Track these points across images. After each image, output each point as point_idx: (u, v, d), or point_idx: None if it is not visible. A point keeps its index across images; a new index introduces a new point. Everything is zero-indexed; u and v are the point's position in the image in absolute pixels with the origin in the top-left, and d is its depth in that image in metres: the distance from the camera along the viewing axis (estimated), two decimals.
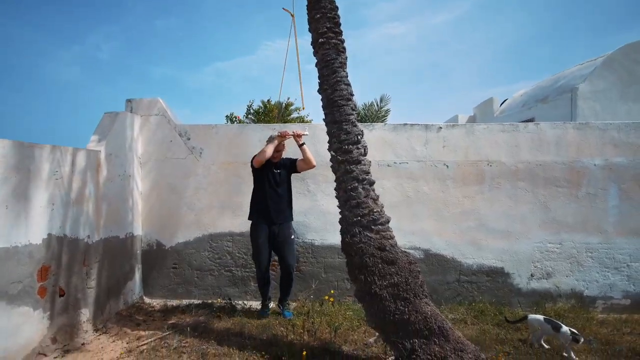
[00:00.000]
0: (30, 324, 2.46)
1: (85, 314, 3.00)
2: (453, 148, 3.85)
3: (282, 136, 3.24)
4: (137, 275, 3.85)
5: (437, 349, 2.23)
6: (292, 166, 3.38)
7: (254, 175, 3.36)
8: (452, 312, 3.57)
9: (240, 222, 3.81)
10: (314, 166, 3.33)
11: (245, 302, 3.77)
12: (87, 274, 3.04)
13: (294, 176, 3.49)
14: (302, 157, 3.30)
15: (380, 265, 2.39)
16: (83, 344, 2.84)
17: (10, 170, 2.34)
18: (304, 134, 3.32)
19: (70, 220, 2.86)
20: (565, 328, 2.67)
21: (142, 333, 3.05)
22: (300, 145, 3.27)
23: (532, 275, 3.78)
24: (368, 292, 2.40)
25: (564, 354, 2.66)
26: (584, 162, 3.75)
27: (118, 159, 3.52)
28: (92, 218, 3.12)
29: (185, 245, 3.90)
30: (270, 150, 3.18)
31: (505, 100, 9.72)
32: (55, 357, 2.59)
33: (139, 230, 3.87)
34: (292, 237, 3.38)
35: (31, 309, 2.47)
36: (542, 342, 2.83)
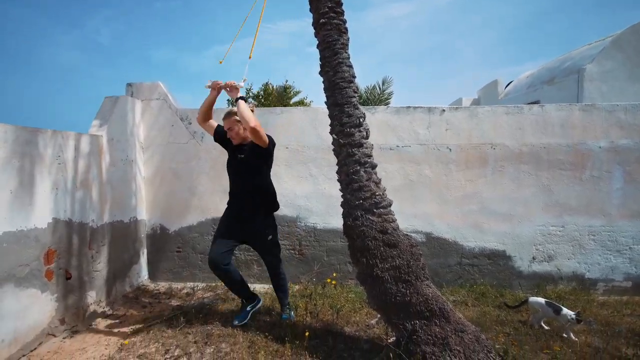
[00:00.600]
0: (38, 306, 2.50)
1: (93, 296, 3.05)
2: (456, 131, 3.79)
3: (213, 87, 2.60)
4: (143, 259, 3.89)
5: (437, 329, 2.26)
6: (255, 145, 2.60)
7: None
8: (453, 294, 3.59)
9: None
10: (253, 128, 2.43)
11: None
12: (93, 258, 3.07)
13: (294, 160, 3.34)
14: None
15: (382, 248, 2.39)
16: (91, 325, 2.90)
17: (13, 155, 2.34)
18: (238, 85, 2.55)
19: (75, 205, 2.87)
20: (565, 310, 2.68)
21: (149, 314, 3.10)
22: (236, 101, 2.50)
23: (533, 258, 3.79)
24: (370, 275, 2.41)
25: (564, 335, 2.69)
26: (588, 144, 3.70)
27: (120, 143, 3.50)
28: (96, 202, 3.13)
29: (188, 229, 3.92)
30: (204, 105, 2.67)
31: (510, 83, 9.54)
32: (64, 338, 2.65)
33: (143, 214, 3.89)
34: (268, 235, 2.77)
35: (39, 291, 2.51)
36: (542, 323, 2.86)
